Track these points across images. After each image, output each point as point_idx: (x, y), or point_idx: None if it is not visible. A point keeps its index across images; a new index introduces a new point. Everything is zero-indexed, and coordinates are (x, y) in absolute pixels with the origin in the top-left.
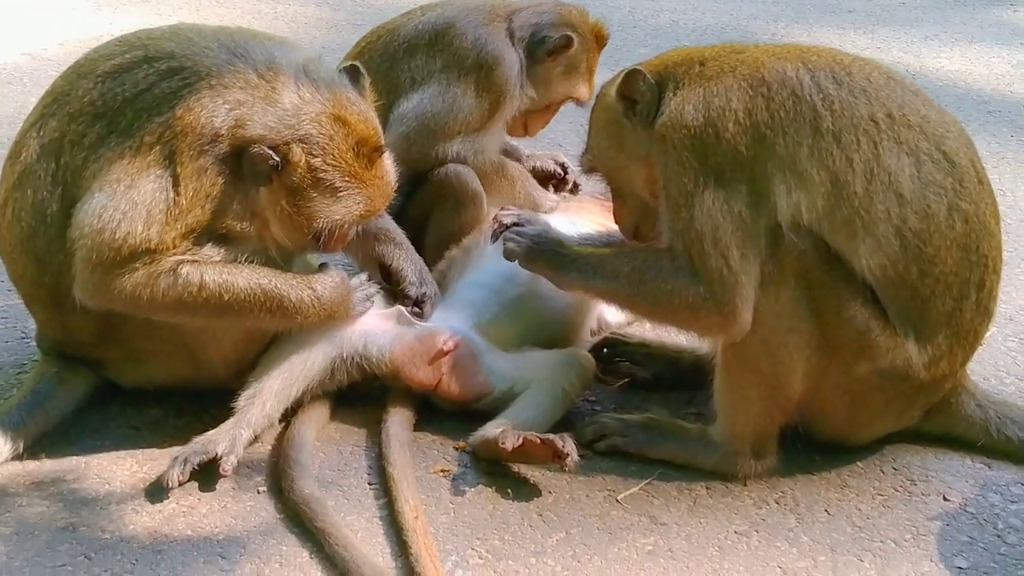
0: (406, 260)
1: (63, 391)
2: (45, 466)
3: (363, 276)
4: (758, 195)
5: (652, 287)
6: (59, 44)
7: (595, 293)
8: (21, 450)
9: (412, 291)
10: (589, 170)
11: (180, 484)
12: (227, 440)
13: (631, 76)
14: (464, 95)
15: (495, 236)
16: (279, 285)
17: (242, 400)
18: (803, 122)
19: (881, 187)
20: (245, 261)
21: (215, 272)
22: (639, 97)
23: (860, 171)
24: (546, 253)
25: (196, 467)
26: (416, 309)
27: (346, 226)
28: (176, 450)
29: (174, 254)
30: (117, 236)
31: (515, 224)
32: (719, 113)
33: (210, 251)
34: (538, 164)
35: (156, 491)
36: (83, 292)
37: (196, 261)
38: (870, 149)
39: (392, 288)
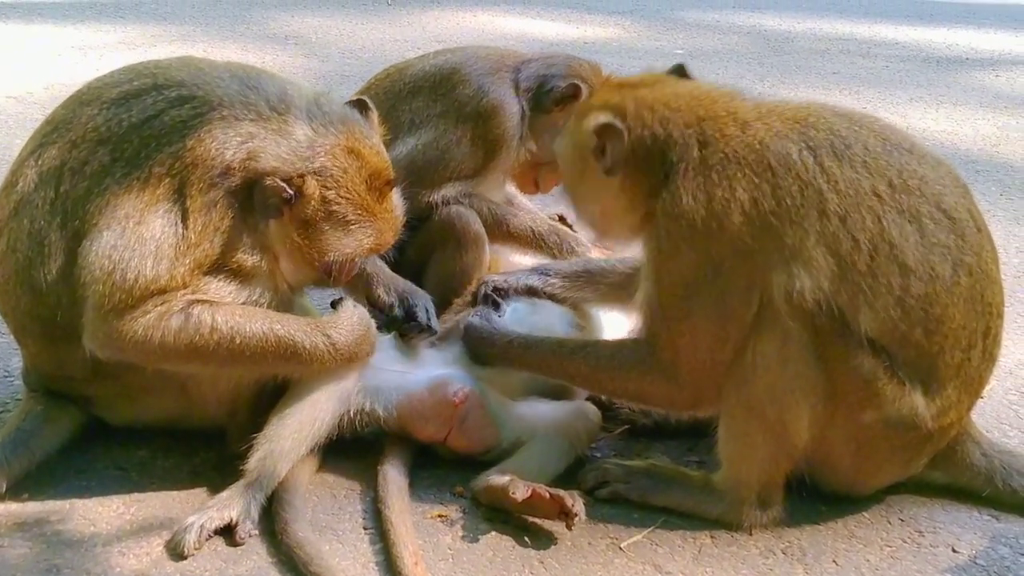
0: (375, 282)
1: (48, 429)
2: (28, 506)
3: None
4: (755, 287)
5: (620, 379)
6: (45, 88)
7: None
8: (3, 490)
9: (387, 300)
10: None
11: (195, 551)
12: (242, 505)
13: (607, 129)
14: (459, 143)
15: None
16: (292, 331)
17: (252, 462)
18: (810, 207)
19: (885, 261)
20: (258, 301)
21: (227, 314)
22: (610, 148)
23: (866, 250)
24: (496, 350)
25: (211, 533)
26: (414, 323)
27: (356, 259)
28: (191, 516)
29: (184, 293)
30: (128, 277)
31: (497, 289)
32: (723, 205)
33: (221, 289)
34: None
35: (144, 534)
36: (94, 341)
37: (208, 301)
38: (875, 226)
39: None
